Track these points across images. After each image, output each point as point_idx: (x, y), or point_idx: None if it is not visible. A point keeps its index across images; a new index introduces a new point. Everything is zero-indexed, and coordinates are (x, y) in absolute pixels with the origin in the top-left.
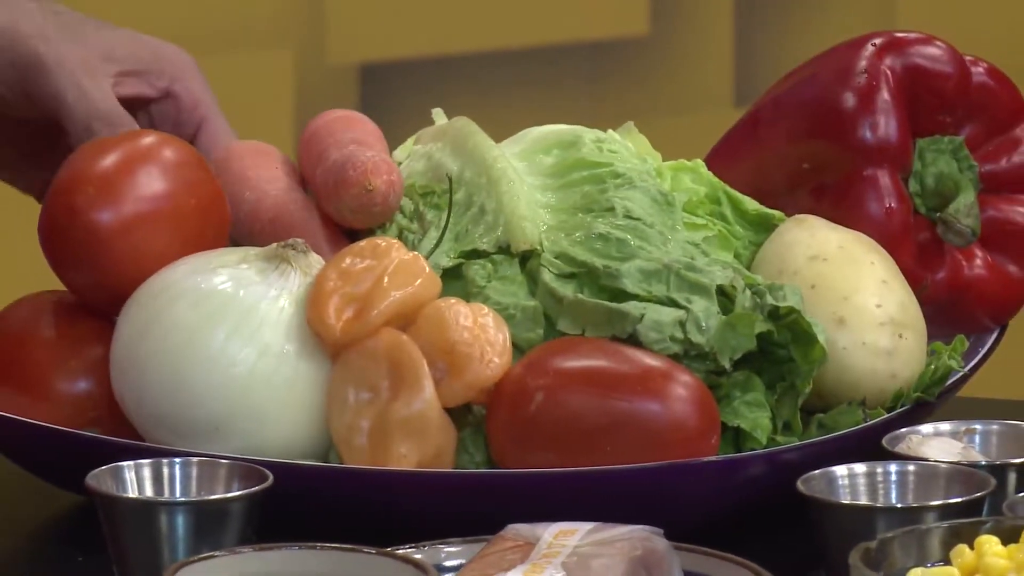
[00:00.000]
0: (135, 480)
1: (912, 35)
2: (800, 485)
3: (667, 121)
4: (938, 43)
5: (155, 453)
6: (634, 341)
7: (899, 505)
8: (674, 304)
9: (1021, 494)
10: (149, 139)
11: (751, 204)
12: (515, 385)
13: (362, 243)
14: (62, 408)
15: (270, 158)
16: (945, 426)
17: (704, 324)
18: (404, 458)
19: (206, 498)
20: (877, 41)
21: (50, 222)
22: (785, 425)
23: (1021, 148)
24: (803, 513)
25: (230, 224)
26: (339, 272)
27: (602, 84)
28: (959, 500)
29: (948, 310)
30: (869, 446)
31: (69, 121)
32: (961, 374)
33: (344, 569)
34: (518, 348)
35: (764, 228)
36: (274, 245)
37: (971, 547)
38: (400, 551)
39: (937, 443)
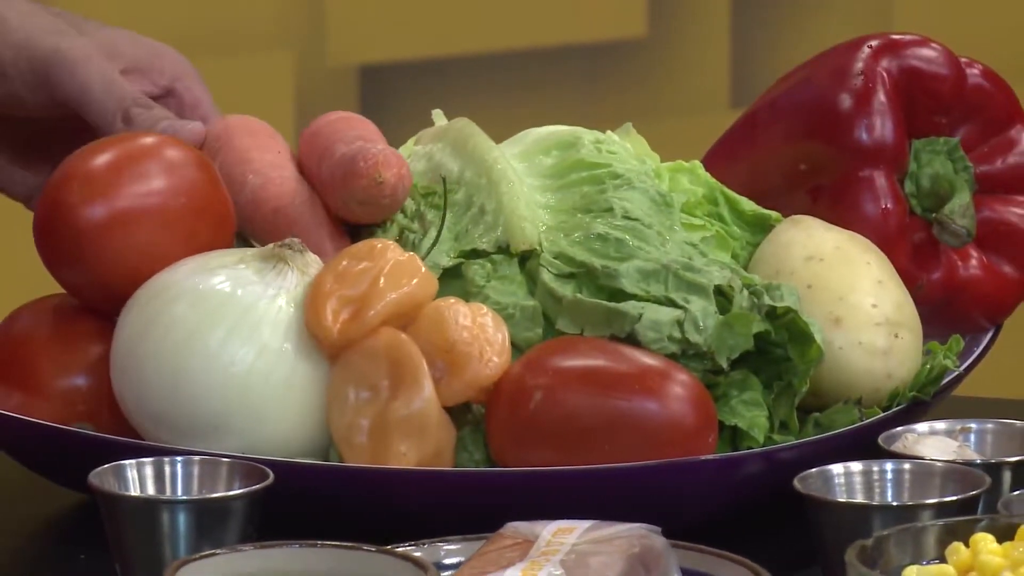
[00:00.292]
0: (137, 479)
1: (908, 37)
2: (797, 483)
3: (665, 122)
4: (934, 45)
5: (157, 452)
6: (632, 340)
7: (895, 503)
8: (672, 304)
9: (1016, 492)
10: (149, 139)
11: (748, 205)
12: (514, 384)
13: (359, 245)
14: (54, 403)
15: (272, 139)
16: (941, 425)
17: (702, 324)
18: (404, 456)
19: (208, 496)
20: (873, 43)
21: (40, 219)
22: (782, 424)
23: (1016, 149)
24: (800, 511)
25: (234, 223)
26: (336, 274)
27: (600, 85)
28: (955, 498)
29: (944, 310)
30: (865, 445)
31: (98, 113)
32: (956, 373)
33: (345, 567)
34: (517, 347)
35: (761, 229)
36: (271, 245)
37: (966, 545)
38: (400, 549)
39: (933, 442)
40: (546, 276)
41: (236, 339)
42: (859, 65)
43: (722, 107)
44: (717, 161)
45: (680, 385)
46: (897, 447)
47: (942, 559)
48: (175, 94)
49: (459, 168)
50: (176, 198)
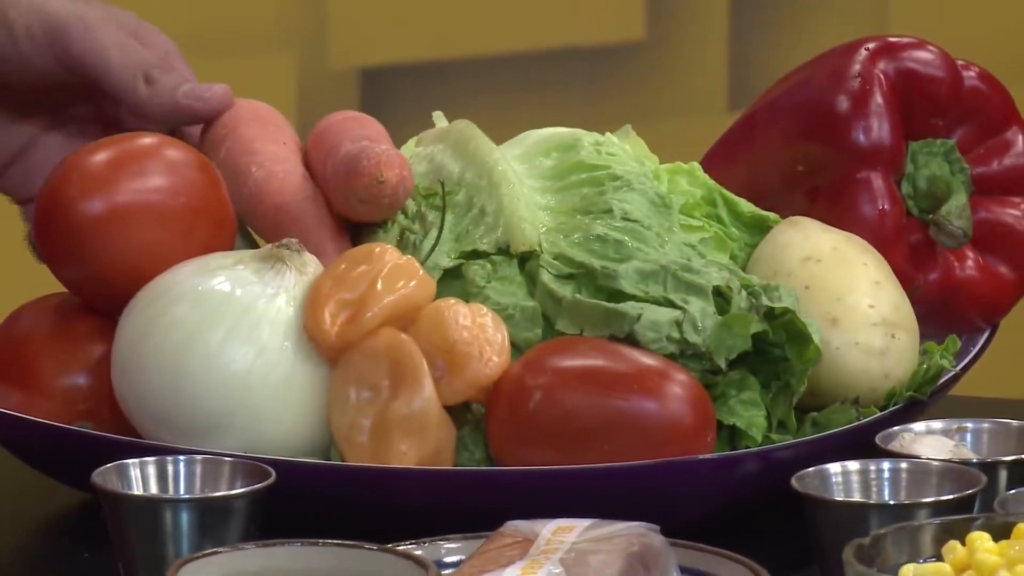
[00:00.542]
0: (140, 477)
1: (905, 40)
2: (794, 482)
3: (663, 124)
4: (930, 47)
5: (160, 451)
6: (631, 341)
7: (892, 502)
8: (671, 304)
9: (1012, 491)
10: (149, 139)
11: (746, 206)
12: (514, 384)
13: (358, 249)
14: (55, 402)
15: (279, 128)
16: (937, 424)
17: (700, 324)
18: (404, 455)
19: (210, 495)
20: (870, 45)
21: (39, 214)
22: (780, 423)
23: (1012, 151)
24: (797, 510)
25: (235, 221)
26: (334, 278)
27: (599, 88)
28: (951, 497)
29: (940, 310)
30: (862, 444)
31: (118, 76)
32: (953, 373)
33: (346, 565)
34: (517, 348)
35: (759, 230)
36: (269, 246)
37: (963, 543)
38: (401, 547)
39: (929, 441)
40: (546, 277)
41: (236, 339)
42: (856, 67)
43: (720, 109)
44: (715, 162)
45: (679, 385)
46: (894, 446)
47: (939, 557)
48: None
49: (460, 169)
50: (175, 197)
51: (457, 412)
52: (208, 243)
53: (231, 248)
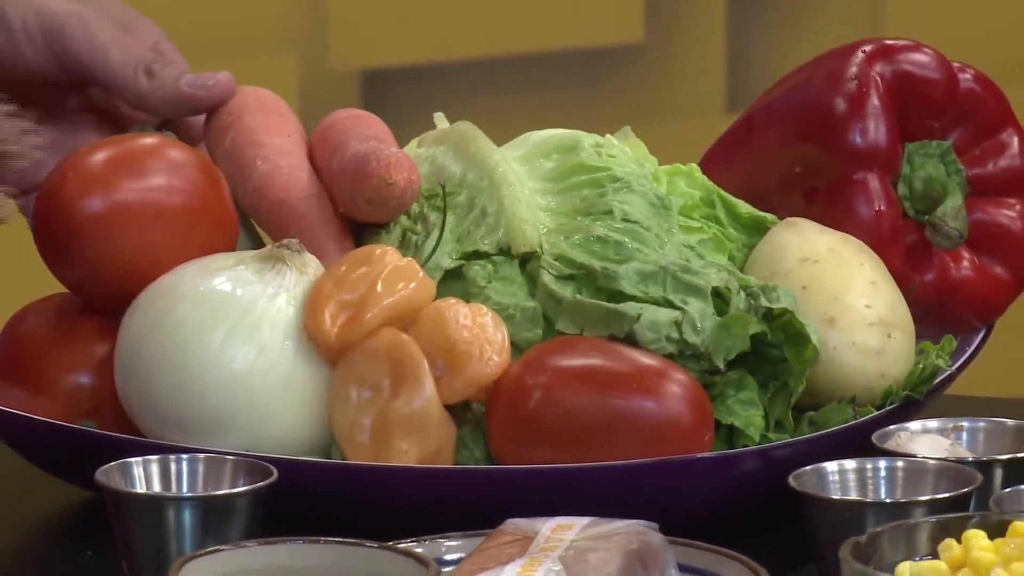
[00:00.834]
0: (143, 476)
1: (901, 42)
2: (791, 481)
3: (661, 126)
4: (926, 50)
5: (163, 449)
6: (631, 341)
7: (888, 500)
8: (670, 305)
9: (1007, 489)
10: (149, 140)
11: (744, 207)
12: (514, 383)
13: (358, 251)
14: (58, 401)
15: (284, 119)
16: (933, 423)
17: (699, 325)
18: (405, 454)
19: (212, 493)
20: (867, 48)
21: (38, 213)
22: (777, 423)
23: (1007, 153)
24: (794, 508)
25: (236, 222)
26: (335, 279)
27: (598, 90)
28: (947, 495)
29: (936, 310)
30: (859, 443)
31: (117, 71)
32: (948, 373)
33: (347, 562)
34: (518, 348)
35: (757, 231)
36: (269, 246)
37: (959, 541)
38: (402, 545)
39: (925, 440)
40: (546, 277)
41: (237, 338)
42: (853, 70)
43: (718, 111)
44: (713, 164)
45: (677, 384)
46: (890, 445)
47: (935, 555)
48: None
49: (461, 171)
50: (175, 196)
51: (457, 411)
52: (208, 243)
53: (232, 247)
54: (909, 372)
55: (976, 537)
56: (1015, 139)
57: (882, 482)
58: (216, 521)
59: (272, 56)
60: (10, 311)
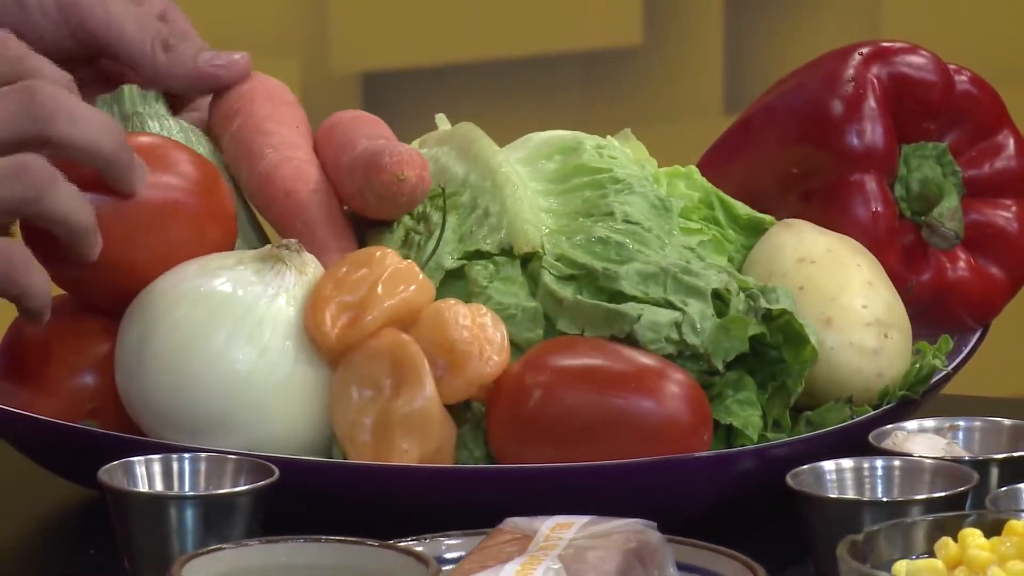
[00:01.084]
0: (145, 475)
1: (897, 45)
2: (789, 480)
3: (659, 128)
4: (923, 52)
5: (165, 449)
6: (631, 341)
7: (885, 499)
8: (671, 306)
9: (1003, 488)
10: (147, 139)
11: (743, 209)
12: (514, 382)
13: (359, 252)
14: (60, 401)
15: (291, 109)
16: (929, 423)
17: (699, 326)
18: (406, 453)
19: (214, 492)
20: (864, 50)
21: None
22: (775, 422)
23: (1003, 154)
24: (792, 507)
25: (235, 220)
26: (335, 280)
27: (597, 92)
28: (943, 494)
29: (932, 311)
30: (856, 442)
31: (134, 46)
32: (945, 372)
33: (348, 561)
34: (519, 348)
35: (755, 232)
36: (268, 246)
37: (955, 540)
38: (402, 543)
39: (922, 439)
40: (547, 278)
41: (238, 339)
42: (850, 72)
43: (716, 113)
44: (711, 165)
45: (676, 384)
46: (887, 444)
47: (931, 554)
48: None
49: (464, 171)
50: (175, 195)
51: (458, 411)
52: (208, 242)
53: (232, 246)
54: (906, 372)
55: (972, 536)
56: (1011, 140)
57: (879, 481)
58: (218, 520)
59: (272, 59)
60: (12, 312)
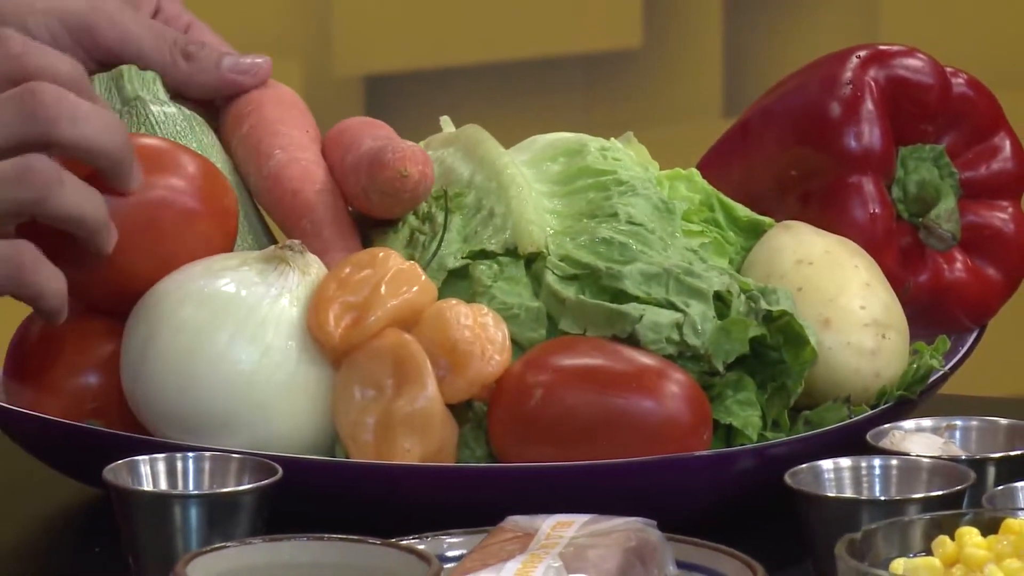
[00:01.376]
0: (150, 474)
1: (895, 48)
2: (788, 478)
3: (659, 130)
4: (920, 55)
5: (169, 448)
6: (633, 341)
7: (883, 498)
8: (672, 307)
9: (1000, 487)
10: (148, 140)
11: (743, 211)
12: (515, 382)
13: (362, 253)
14: (64, 401)
15: (303, 116)
16: (927, 422)
17: (700, 327)
18: (408, 453)
19: (218, 491)
20: (862, 53)
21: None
22: (774, 422)
23: (1000, 156)
24: (791, 505)
25: (236, 219)
26: (339, 281)
27: (597, 94)
28: (940, 493)
29: (930, 311)
30: (854, 441)
31: (153, 57)
32: (942, 372)
33: (350, 559)
34: (522, 347)
35: (755, 234)
36: (272, 248)
37: (952, 538)
38: (404, 542)
39: (919, 438)
40: (550, 278)
41: (242, 339)
42: (848, 74)
43: (715, 115)
44: (710, 167)
45: (676, 384)
46: (885, 444)
47: (928, 552)
48: (160, 9)
49: (470, 172)
50: (178, 197)
51: (459, 410)
52: (212, 244)
53: (232, 244)
54: (903, 372)
55: (969, 534)
56: (1007, 143)
57: (877, 480)
58: (222, 518)
59: (275, 61)
60: (17, 314)
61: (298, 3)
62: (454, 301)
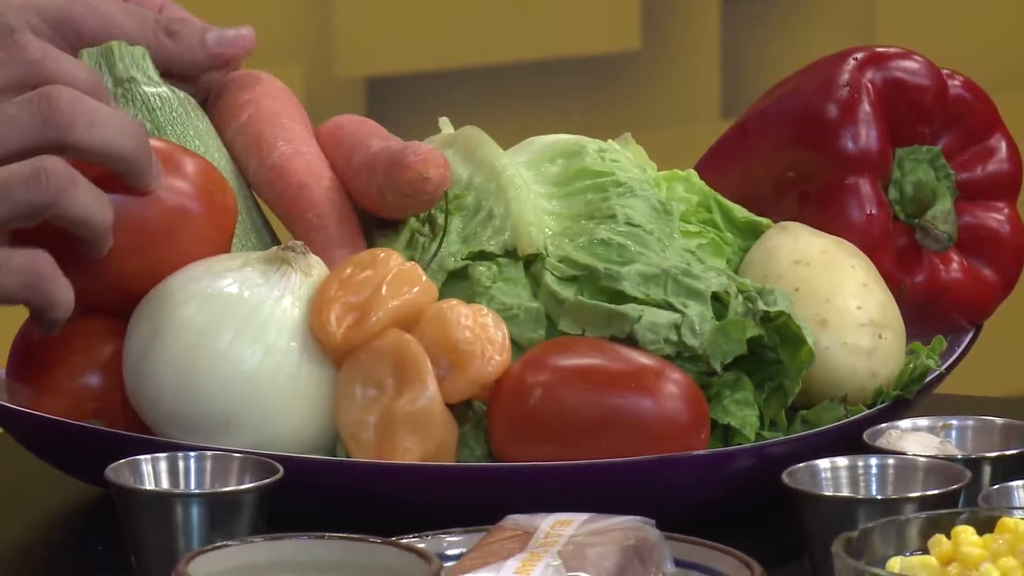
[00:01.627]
0: (152, 473)
1: (892, 50)
2: (785, 478)
3: (657, 132)
4: (916, 57)
5: (171, 447)
6: (631, 341)
7: (879, 497)
8: (671, 308)
9: (996, 486)
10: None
11: (740, 212)
12: (514, 382)
13: (363, 254)
14: (66, 401)
15: (298, 110)
16: (923, 422)
17: (698, 328)
18: (408, 452)
19: (219, 490)
20: (859, 55)
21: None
22: (771, 422)
23: (996, 157)
24: (788, 504)
25: (234, 219)
26: (340, 281)
27: (596, 96)
28: (936, 492)
29: (926, 312)
30: (850, 441)
31: (136, 39)
32: (938, 372)
33: (351, 558)
34: (521, 348)
35: (753, 235)
36: (274, 248)
37: (948, 537)
38: (404, 540)
39: (915, 438)
40: (549, 279)
41: (244, 339)
42: (845, 76)
43: (713, 117)
44: (708, 169)
45: (674, 383)
46: (881, 443)
47: (925, 551)
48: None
49: (469, 174)
50: (179, 198)
51: (459, 410)
52: (210, 243)
53: (230, 242)
54: (899, 372)
55: (965, 533)
56: (1003, 144)
57: (873, 479)
58: (223, 517)
59: (277, 63)
60: (18, 314)
61: (300, 5)
62: (454, 301)
